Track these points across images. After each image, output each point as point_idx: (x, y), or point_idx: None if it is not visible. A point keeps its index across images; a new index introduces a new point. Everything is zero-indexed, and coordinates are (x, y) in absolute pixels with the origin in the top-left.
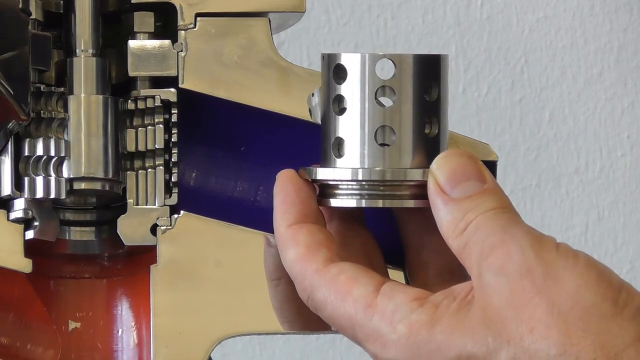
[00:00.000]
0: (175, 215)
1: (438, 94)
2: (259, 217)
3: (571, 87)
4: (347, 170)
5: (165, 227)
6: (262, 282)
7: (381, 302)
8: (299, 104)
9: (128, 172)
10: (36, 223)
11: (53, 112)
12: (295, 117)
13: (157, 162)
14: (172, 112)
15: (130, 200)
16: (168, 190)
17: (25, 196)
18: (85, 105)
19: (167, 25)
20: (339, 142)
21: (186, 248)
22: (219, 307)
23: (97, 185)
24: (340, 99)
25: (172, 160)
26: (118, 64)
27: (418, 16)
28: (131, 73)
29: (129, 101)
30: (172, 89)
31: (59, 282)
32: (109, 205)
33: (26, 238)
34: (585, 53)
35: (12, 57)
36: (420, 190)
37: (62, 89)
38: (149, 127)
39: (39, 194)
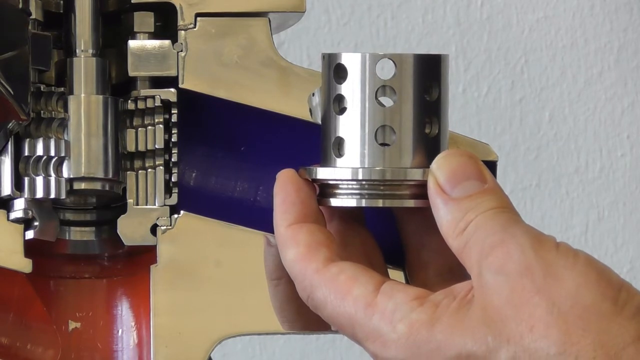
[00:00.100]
0: (175, 215)
1: (438, 93)
2: (259, 217)
3: (571, 87)
4: (347, 169)
5: (165, 227)
6: (262, 282)
7: (381, 301)
8: (299, 104)
9: (128, 172)
10: (36, 223)
11: (53, 112)
12: (295, 117)
13: (157, 162)
14: (172, 112)
15: (130, 200)
16: (168, 190)
17: (25, 196)
18: (85, 105)
19: (167, 25)
20: (339, 142)
21: (186, 248)
22: (219, 307)
23: (97, 185)
24: (340, 98)
25: (172, 160)
26: (118, 64)
27: (418, 16)
28: (131, 73)
29: (129, 101)
30: (172, 89)
31: (59, 282)
32: (109, 205)
33: (26, 238)
34: (585, 53)
35: (12, 57)
36: (421, 190)
37: (62, 89)
38: (149, 127)
39: (39, 194)
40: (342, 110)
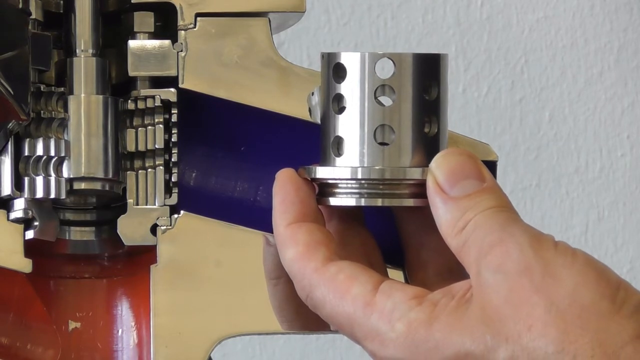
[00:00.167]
0: (175, 215)
1: (437, 93)
2: (259, 217)
3: (571, 87)
4: (346, 169)
5: (165, 227)
6: (262, 282)
7: (380, 300)
8: (299, 104)
9: (128, 172)
10: (36, 223)
11: (53, 112)
12: (295, 117)
13: (157, 162)
14: (172, 112)
15: (130, 200)
16: (168, 190)
17: (25, 196)
18: (85, 105)
19: (167, 25)
20: (339, 141)
21: (186, 248)
22: (219, 307)
23: (97, 185)
24: (339, 97)
25: (172, 160)
26: (118, 64)
27: (418, 16)
28: (131, 73)
29: (129, 101)
30: (172, 89)
31: (59, 282)
32: (109, 205)
33: (26, 238)
34: (585, 53)
35: (12, 57)
36: (420, 189)
37: (62, 89)
38: (149, 127)
39: (39, 194)
40: (342, 109)
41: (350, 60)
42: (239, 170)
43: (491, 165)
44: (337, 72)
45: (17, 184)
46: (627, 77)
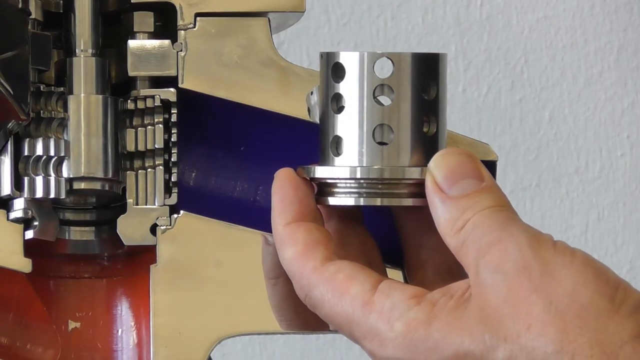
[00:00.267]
0: (175, 215)
1: (436, 92)
2: (259, 217)
3: (571, 87)
4: (345, 168)
5: (165, 227)
6: (262, 282)
7: (378, 300)
8: (299, 104)
9: (128, 172)
10: (36, 223)
11: (53, 112)
12: (295, 117)
13: (156, 162)
14: (172, 112)
15: (130, 200)
16: (168, 190)
17: (25, 196)
18: (85, 105)
19: (167, 25)
20: (337, 141)
21: (186, 248)
22: (219, 307)
23: (97, 185)
24: (338, 97)
25: (172, 160)
26: (118, 64)
27: (418, 16)
28: (131, 73)
29: (129, 101)
30: (172, 89)
31: (59, 282)
32: (108, 205)
33: (26, 238)
34: (585, 53)
35: (12, 57)
36: (419, 189)
37: (62, 88)
38: (149, 127)
39: (39, 193)
40: (340, 109)
41: (349, 60)
42: (239, 170)
43: (491, 165)
44: (336, 71)
45: (17, 184)
46: (627, 77)
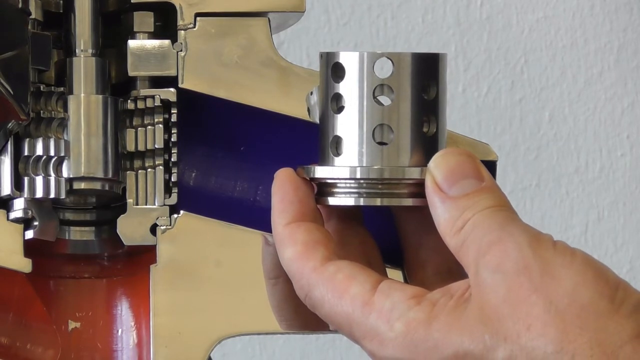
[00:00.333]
0: (175, 215)
1: (436, 92)
2: (259, 217)
3: (571, 87)
4: (345, 168)
5: (165, 227)
6: (262, 282)
7: (378, 300)
8: (299, 104)
9: (128, 172)
10: (36, 223)
11: (53, 112)
12: (295, 117)
13: (156, 162)
14: (172, 112)
15: (130, 200)
16: (168, 190)
17: (25, 196)
18: (85, 105)
19: (167, 25)
20: (337, 141)
21: (186, 248)
22: (219, 307)
23: (97, 185)
24: (338, 97)
25: (172, 160)
26: (118, 64)
27: (418, 16)
28: (131, 73)
29: (129, 101)
30: (172, 89)
31: (59, 282)
32: (108, 205)
33: (26, 238)
34: (585, 53)
35: (12, 57)
36: (419, 189)
37: (62, 88)
38: (149, 127)
39: (39, 193)
40: (340, 109)
41: (349, 60)
42: (239, 170)
43: (491, 165)
44: (336, 71)
45: (17, 184)
46: (627, 77)
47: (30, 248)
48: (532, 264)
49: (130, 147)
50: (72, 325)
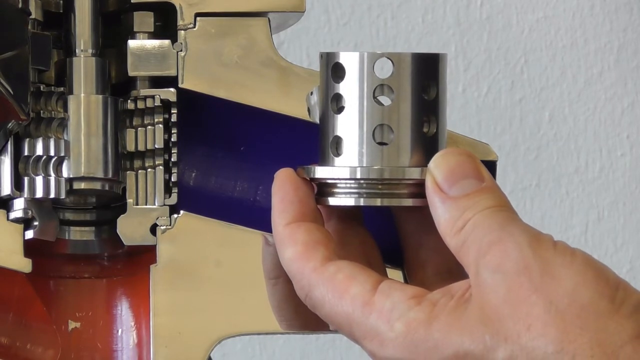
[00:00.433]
0: (175, 215)
1: (436, 92)
2: (259, 217)
3: (571, 87)
4: (345, 168)
5: (165, 227)
6: (262, 282)
7: (379, 300)
8: (299, 104)
9: (128, 172)
10: (36, 223)
11: (53, 112)
12: (295, 117)
13: (156, 162)
14: (172, 112)
15: (130, 200)
16: (168, 190)
17: (25, 196)
18: (85, 105)
19: (167, 25)
20: (337, 141)
21: (186, 248)
22: (219, 307)
23: (97, 185)
24: (338, 97)
25: (172, 160)
26: (118, 64)
27: (418, 16)
28: (131, 73)
29: (129, 101)
30: (172, 89)
31: (59, 282)
32: (108, 205)
33: (26, 238)
34: (585, 53)
35: (12, 57)
36: (419, 189)
37: (62, 88)
38: (149, 127)
39: (39, 193)
40: (340, 109)
41: (349, 60)
42: (239, 170)
43: (491, 165)
44: (336, 71)
45: (17, 184)
46: (627, 77)
47: (30, 248)
48: (532, 264)
49: (130, 147)
50: (72, 325)
